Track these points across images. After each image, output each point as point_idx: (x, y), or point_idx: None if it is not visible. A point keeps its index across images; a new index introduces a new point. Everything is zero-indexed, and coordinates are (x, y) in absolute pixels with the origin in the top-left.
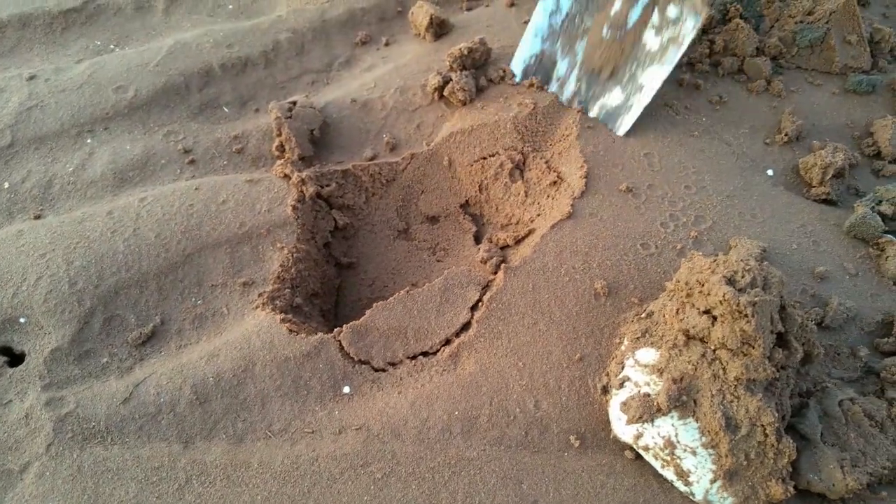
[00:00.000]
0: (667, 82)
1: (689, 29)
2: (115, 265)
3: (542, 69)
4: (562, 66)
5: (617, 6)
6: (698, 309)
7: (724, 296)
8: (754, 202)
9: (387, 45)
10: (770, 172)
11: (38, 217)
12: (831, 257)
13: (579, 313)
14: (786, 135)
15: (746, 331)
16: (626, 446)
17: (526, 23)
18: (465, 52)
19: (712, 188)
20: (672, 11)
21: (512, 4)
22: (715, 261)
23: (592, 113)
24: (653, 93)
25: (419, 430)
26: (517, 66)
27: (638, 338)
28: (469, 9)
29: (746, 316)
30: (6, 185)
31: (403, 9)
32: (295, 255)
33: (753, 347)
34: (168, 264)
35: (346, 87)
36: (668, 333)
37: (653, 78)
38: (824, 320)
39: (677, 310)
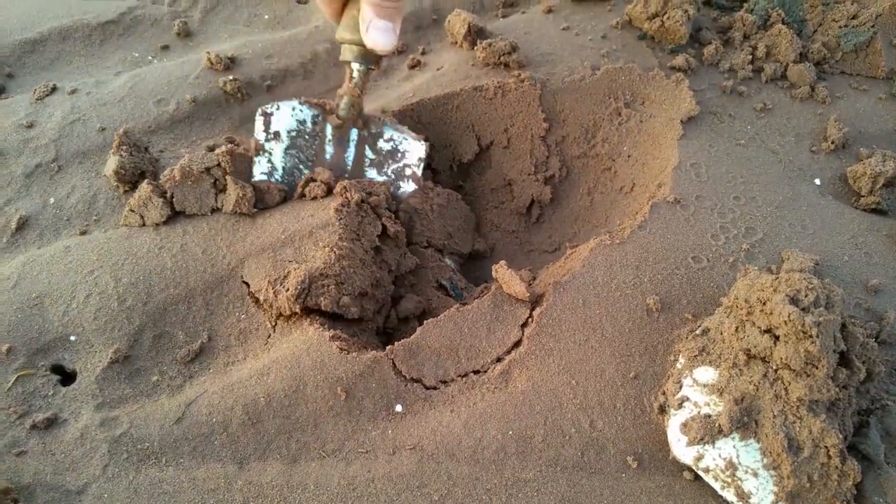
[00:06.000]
0: (709, 90)
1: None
2: (164, 281)
3: None
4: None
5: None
6: (759, 328)
7: (788, 316)
8: (804, 213)
9: (423, 53)
10: (818, 182)
11: (83, 233)
12: (884, 269)
13: (632, 329)
14: (832, 142)
15: (811, 351)
16: (684, 467)
17: (564, 29)
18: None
19: (761, 198)
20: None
21: (549, 11)
22: (777, 278)
23: None
24: None
25: (474, 450)
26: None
27: (695, 356)
28: (505, 16)
29: (811, 336)
30: (52, 200)
31: (439, 17)
32: (337, 251)
33: (817, 368)
34: (214, 279)
35: (385, 97)
36: (726, 352)
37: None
38: (880, 335)
39: (737, 328)
